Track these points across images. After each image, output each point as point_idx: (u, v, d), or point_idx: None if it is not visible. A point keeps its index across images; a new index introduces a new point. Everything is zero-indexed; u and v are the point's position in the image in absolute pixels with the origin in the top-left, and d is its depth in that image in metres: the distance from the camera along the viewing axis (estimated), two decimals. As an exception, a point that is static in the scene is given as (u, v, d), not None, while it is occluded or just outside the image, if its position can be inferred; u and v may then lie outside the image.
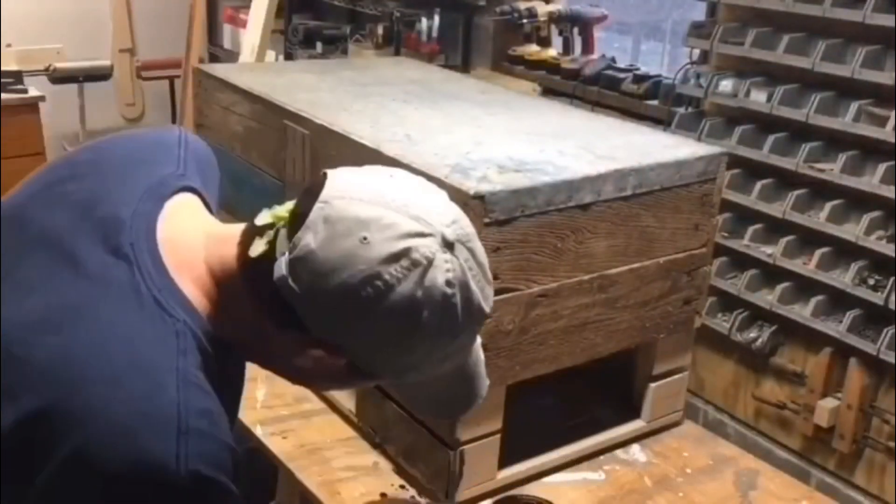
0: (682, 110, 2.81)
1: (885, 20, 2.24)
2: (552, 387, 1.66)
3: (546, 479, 1.61)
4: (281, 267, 0.86)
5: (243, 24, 4.31)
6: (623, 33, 3.84)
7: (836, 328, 2.41)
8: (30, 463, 0.82)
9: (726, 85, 2.63)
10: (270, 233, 0.89)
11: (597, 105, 3.04)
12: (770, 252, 2.55)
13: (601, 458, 1.67)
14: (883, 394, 2.45)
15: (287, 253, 0.86)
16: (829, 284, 2.43)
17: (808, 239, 2.50)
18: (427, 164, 1.45)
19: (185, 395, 0.84)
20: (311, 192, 0.89)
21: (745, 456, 1.74)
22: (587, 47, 3.38)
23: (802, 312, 2.49)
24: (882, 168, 2.30)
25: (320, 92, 1.95)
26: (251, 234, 0.91)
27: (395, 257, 0.84)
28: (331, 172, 0.92)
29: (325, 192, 0.87)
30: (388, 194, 0.87)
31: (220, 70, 2.17)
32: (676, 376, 1.75)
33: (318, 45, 4.20)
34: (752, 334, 2.65)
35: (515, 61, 3.47)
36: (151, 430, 0.81)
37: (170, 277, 0.90)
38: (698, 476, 1.64)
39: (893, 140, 2.26)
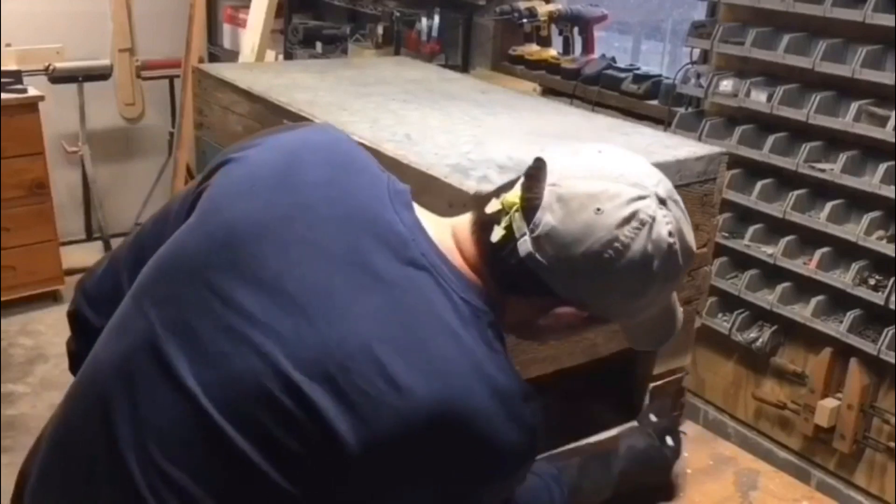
0: (682, 110, 2.81)
1: (886, 20, 2.24)
2: (552, 387, 1.66)
3: (546, 480, 1.60)
4: (527, 244, 0.98)
5: (243, 24, 4.31)
6: (623, 33, 3.84)
7: (837, 328, 2.41)
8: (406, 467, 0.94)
9: (726, 85, 2.63)
10: (506, 218, 1.01)
11: (597, 105, 3.03)
12: (770, 252, 2.55)
13: (601, 458, 1.67)
14: (883, 394, 2.45)
15: (528, 232, 0.99)
16: (829, 284, 2.43)
17: (809, 239, 2.51)
18: (427, 164, 1.44)
19: (514, 370, 1.00)
20: (535, 178, 1.01)
21: (745, 456, 1.73)
22: (587, 47, 3.38)
23: (803, 312, 2.49)
24: (882, 168, 2.30)
25: (319, 91, 1.95)
26: (485, 221, 1.03)
27: (626, 220, 0.97)
28: (545, 156, 1.04)
29: (551, 177, 1.00)
30: (605, 168, 1.01)
31: (219, 70, 2.17)
32: (676, 376, 1.75)
33: (318, 45, 4.20)
34: (753, 334, 2.65)
35: (515, 61, 3.47)
36: (513, 405, 0.96)
37: (464, 278, 1.02)
38: (698, 476, 1.64)
39: (894, 140, 2.26)
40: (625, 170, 1.01)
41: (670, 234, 1.00)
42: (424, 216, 1.07)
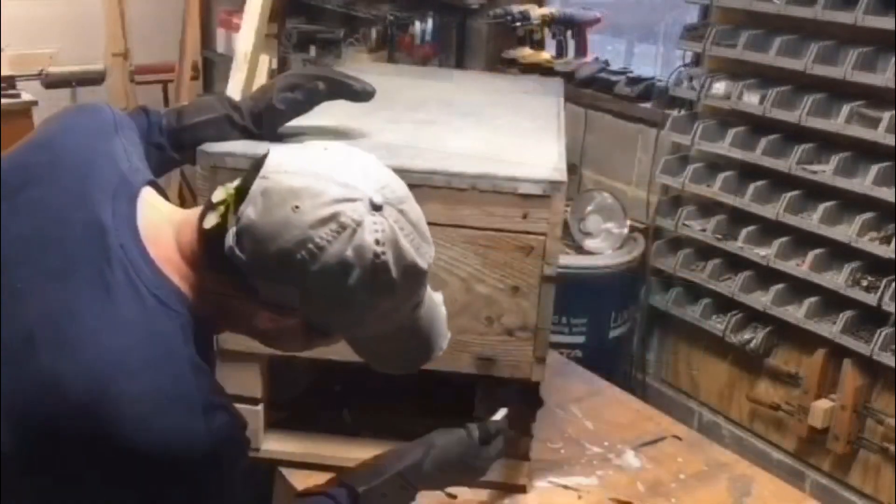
0: (675, 113, 2.81)
1: (877, 22, 2.24)
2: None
3: (538, 483, 1.60)
4: (229, 238, 0.93)
5: (237, 29, 4.29)
6: (616, 36, 3.83)
7: (830, 329, 2.42)
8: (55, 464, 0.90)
9: (719, 87, 2.64)
10: (222, 207, 0.96)
11: (590, 108, 3.04)
12: (764, 254, 2.55)
13: (594, 462, 1.67)
14: (877, 395, 2.45)
15: (234, 225, 0.93)
16: (822, 286, 2.43)
17: (802, 240, 2.51)
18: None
19: (199, 378, 0.94)
20: (254, 168, 0.96)
21: (740, 462, 1.73)
22: (581, 50, 3.38)
23: (796, 314, 2.50)
24: (875, 169, 2.30)
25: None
26: (207, 209, 0.97)
27: (323, 221, 0.90)
28: (272, 148, 0.98)
29: (264, 168, 0.94)
30: (318, 164, 0.94)
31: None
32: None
33: (312, 49, 4.20)
34: (747, 336, 2.66)
35: (509, 64, 3.47)
36: (179, 412, 0.91)
37: (162, 274, 0.96)
38: (692, 482, 1.63)
39: (886, 142, 2.26)
40: (340, 168, 0.94)
41: (378, 242, 0.92)
42: (155, 209, 1.02)
